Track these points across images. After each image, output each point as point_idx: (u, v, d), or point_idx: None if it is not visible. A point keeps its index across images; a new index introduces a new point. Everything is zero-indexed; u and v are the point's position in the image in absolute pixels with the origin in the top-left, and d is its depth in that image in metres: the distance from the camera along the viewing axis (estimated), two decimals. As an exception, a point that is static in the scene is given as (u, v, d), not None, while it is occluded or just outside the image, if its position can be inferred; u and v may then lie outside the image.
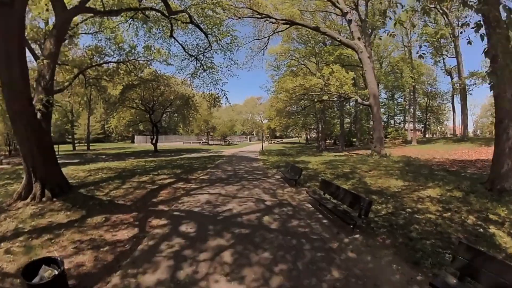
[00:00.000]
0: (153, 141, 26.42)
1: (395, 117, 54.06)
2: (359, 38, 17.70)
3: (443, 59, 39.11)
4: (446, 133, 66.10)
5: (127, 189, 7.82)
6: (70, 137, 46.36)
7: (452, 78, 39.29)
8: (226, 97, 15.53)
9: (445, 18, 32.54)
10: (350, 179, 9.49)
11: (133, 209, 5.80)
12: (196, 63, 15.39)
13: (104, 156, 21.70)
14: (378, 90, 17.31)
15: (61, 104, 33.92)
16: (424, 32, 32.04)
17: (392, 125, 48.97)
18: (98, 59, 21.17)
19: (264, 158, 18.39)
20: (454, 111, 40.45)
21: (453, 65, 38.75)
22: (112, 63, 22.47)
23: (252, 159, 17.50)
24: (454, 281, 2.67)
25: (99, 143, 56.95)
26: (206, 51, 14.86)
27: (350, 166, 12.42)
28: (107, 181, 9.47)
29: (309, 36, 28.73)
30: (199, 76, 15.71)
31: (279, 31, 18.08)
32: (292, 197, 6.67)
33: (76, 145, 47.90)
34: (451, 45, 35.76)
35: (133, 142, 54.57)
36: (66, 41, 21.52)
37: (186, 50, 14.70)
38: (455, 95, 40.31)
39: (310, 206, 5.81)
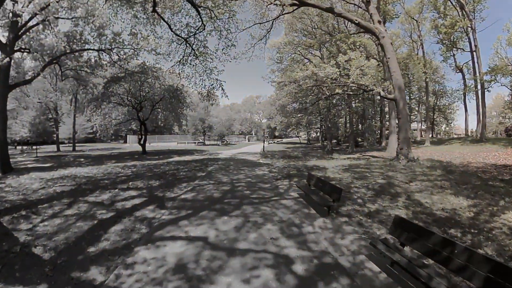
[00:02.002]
0: (141, 142, 23.46)
1: (401, 116, 51.69)
2: (379, 22, 15.04)
3: (454, 55, 36.90)
4: (452, 133, 63.88)
5: (67, 218, 5.07)
6: (55, 136, 43.27)
7: (464, 75, 37.07)
8: (222, 88, 12.74)
9: (459, 11, 30.35)
10: (395, 196, 6.82)
11: (44, 274, 3.07)
12: (186, 47, 12.59)
13: (83, 159, 18.83)
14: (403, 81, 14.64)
15: (42, 100, 30.94)
16: (440, 24, 29.67)
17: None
18: (75, 47, 18.29)
19: (268, 162, 15.53)
20: (466, 110, 38.23)
21: (463, 61, 36.64)
22: (92, 51, 19.59)
23: (254, 164, 14.61)
24: None
25: (90, 143, 54.00)
26: (198, 32, 12.07)
27: (380, 175, 9.77)
28: (54, 199, 6.77)
29: (315, 27, 26.06)
30: (190, 63, 12.92)
31: (285, 13, 15.34)
32: (335, 244, 3.83)
33: (65, 145, 44.84)
34: (465, 39, 33.60)
35: (126, 142, 51.83)
36: (40, 27, 18.74)
37: (174, 31, 11.88)
38: (466, 93, 38.18)
39: (376, 268, 3.06)
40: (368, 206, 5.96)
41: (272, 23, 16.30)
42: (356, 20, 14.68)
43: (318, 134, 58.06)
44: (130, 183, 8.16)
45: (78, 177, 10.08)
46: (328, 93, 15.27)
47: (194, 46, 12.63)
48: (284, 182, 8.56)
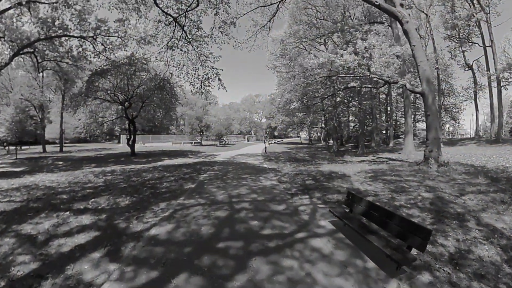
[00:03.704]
0: (130, 142, 21.19)
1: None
2: (402, 5, 13.04)
3: (463, 52, 35.23)
4: (457, 133, 62.16)
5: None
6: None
7: (474, 73, 35.37)
8: (219, 78, 10.58)
9: (471, 4, 28.64)
10: (460, 219, 4.78)
11: None
12: (176, 28, 10.45)
13: (61, 163, 16.62)
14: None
15: (24, 97, 28.53)
16: (454, 17, 27.88)
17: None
18: (51, 33, 16.05)
19: (273, 166, 13.31)
20: (477, 109, 36.47)
21: (471, 59, 34.94)
22: (73, 39, 17.33)
23: (258, 170, 12.16)
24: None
25: (83, 143, 51.71)
26: (190, 9, 9.95)
27: (419, 185, 7.70)
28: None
29: (321, 18, 24.03)
30: (181, 49, 10.78)
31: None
32: None
33: (56, 145, 42.30)
34: (477, 35, 31.89)
35: (119, 142, 49.56)
36: (16, 13, 16.56)
37: (161, 7, 9.74)
38: (477, 92, 36.46)
39: None
40: (442, 242, 3.89)
41: (278, 7, 14.24)
42: (376, 1, 12.64)
43: (319, 134, 56.02)
44: (92, 200, 5.96)
45: (37, 188, 7.92)
46: (342, 86, 13.18)
47: (185, 28, 10.51)
48: (303, 200, 6.31)
